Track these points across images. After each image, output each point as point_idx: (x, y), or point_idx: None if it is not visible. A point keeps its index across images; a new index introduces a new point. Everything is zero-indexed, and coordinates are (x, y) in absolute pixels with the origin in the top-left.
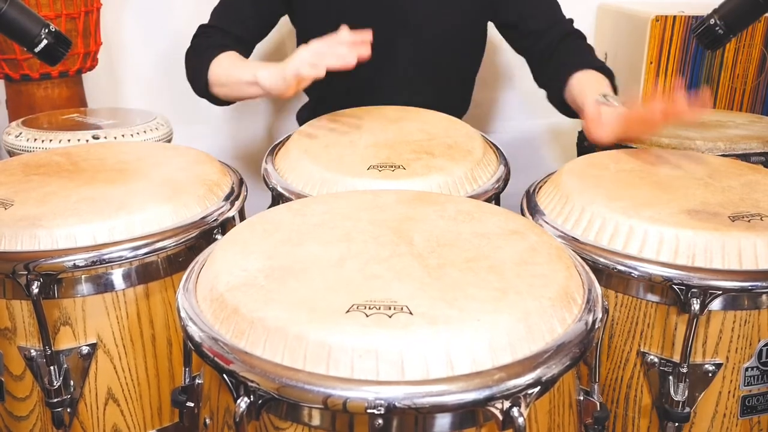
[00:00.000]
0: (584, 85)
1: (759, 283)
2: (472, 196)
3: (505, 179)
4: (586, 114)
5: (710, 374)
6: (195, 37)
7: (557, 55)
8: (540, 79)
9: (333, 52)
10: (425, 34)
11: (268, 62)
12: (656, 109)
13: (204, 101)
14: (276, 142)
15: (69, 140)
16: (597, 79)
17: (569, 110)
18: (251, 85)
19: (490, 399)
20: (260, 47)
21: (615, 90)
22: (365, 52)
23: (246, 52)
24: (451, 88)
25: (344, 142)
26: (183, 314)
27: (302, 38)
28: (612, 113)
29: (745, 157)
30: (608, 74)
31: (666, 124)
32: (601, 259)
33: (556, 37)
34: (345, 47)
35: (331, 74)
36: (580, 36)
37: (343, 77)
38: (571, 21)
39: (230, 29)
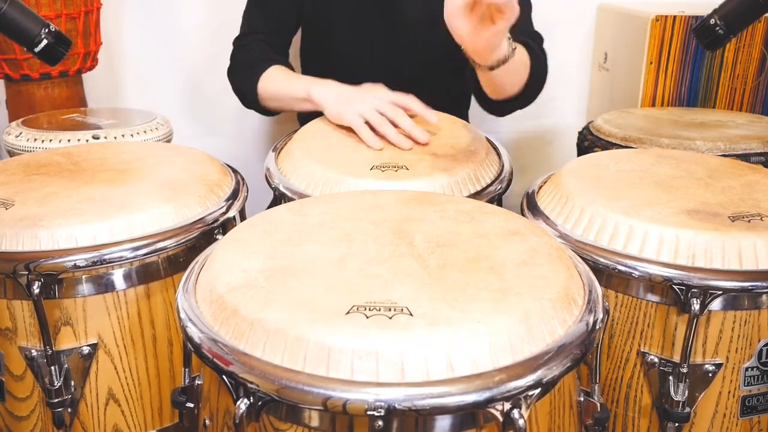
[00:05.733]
0: None
1: (759, 283)
2: (475, 197)
3: (509, 180)
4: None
5: (710, 374)
6: (236, 50)
7: None
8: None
9: (393, 121)
10: (420, 31)
11: (320, 79)
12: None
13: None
14: (278, 142)
15: (69, 140)
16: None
17: (486, 99)
18: (304, 102)
19: (491, 401)
20: None
21: (528, 82)
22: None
23: (285, 46)
24: (448, 87)
25: (347, 142)
26: (183, 315)
27: (302, 33)
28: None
29: (745, 157)
30: (534, 60)
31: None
32: (601, 260)
33: None
34: (408, 121)
35: (330, 73)
36: (542, 51)
37: (342, 77)
38: (540, 40)
39: (263, 29)
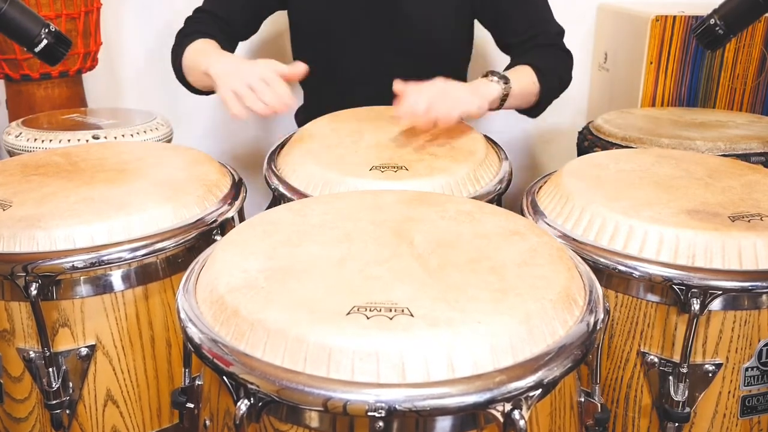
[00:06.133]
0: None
1: (759, 283)
2: (474, 197)
3: (508, 180)
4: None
5: (710, 374)
6: (186, 20)
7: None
8: None
9: (259, 97)
10: (417, 31)
11: (228, 55)
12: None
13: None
14: (278, 143)
15: (69, 140)
16: (520, 69)
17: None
18: (206, 76)
19: (491, 402)
20: (257, 41)
21: (541, 93)
22: (282, 107)
23: (233, 41)
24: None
25: (346, 142)
26: (183, 316)
27: (294, 32)
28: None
29: (745, 157)
30: (543, 74)
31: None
32: (602, 260)
33: (530, 48)
34: (272, 95)
35: (327, 73)
36: (559, 47)
37: (340, 75)
38: (557, 33)
39: (221, 13)
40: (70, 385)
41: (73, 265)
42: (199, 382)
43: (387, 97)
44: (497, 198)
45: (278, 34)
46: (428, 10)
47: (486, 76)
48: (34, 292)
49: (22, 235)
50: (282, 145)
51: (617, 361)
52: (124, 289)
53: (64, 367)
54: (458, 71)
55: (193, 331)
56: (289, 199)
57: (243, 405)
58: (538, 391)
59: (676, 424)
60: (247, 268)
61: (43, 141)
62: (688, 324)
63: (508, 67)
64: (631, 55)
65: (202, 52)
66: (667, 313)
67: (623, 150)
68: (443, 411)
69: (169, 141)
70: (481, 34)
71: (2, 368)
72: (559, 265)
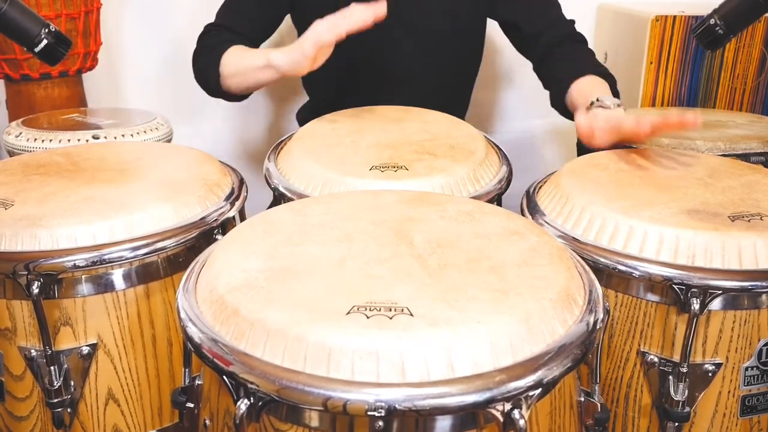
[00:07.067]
0: (582, 90)
1: (759, 283)
2: (474, 197)
3: (508, 180)
4: (576, 121)
5: (710, 374)
6: (202, 36)
7: (555, 60)
8: (543, 82)
9: (349, 17)
10: (426, 32)
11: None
12: (646, 122)
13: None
14: (278, 142)
15: (69, 140)
16: (595, 84)
17: (572, 115)
18: (264, 69)
19: (491, 401)
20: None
21: (616, 94)
22: (381, 11)
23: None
24: (451, 87)
25: (346, 142)
26: (183, 315)
27: (301, 33)
28: (604, 119)
29: (745, 157)
30: (609, 78)
31: (654, 137)
32: (602, 259)
33: (553, 41)
34: (359, 11)
35: (331, 72)
36: (580, 39)
37: (344, 75)
38: (571, 23)
39: (235, 27)
40: (72, 383)
41: (74, 263)
42: (199, 382)
43: (392, 99)
44: (497, 198)
45: (281, 41)
46: (439, 12)
47: (599, 106)
48: (35, 290)
49: (23, 234)
50: (282, 145)
51: (617, 361)
52: (125, 287)
53: (65, 366)
54: (467, 72)
55: (192, 331)
56: (289, 199)
57: (243, 404)
58: (538, 391)
59: (676, 424)
60: (248, 267)
61: (43, 141)
62: (688, 324)
63: (564, 81)
64: (631, 55)
65: (249, 52)
66: (667, 312)
67: (623, 150)
68: (443, 410)
69: (169, 141)
70: (490, 40)
71: (4, 367)
72: (558, 265)
